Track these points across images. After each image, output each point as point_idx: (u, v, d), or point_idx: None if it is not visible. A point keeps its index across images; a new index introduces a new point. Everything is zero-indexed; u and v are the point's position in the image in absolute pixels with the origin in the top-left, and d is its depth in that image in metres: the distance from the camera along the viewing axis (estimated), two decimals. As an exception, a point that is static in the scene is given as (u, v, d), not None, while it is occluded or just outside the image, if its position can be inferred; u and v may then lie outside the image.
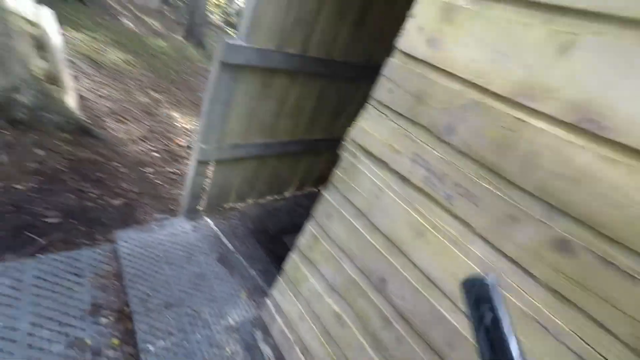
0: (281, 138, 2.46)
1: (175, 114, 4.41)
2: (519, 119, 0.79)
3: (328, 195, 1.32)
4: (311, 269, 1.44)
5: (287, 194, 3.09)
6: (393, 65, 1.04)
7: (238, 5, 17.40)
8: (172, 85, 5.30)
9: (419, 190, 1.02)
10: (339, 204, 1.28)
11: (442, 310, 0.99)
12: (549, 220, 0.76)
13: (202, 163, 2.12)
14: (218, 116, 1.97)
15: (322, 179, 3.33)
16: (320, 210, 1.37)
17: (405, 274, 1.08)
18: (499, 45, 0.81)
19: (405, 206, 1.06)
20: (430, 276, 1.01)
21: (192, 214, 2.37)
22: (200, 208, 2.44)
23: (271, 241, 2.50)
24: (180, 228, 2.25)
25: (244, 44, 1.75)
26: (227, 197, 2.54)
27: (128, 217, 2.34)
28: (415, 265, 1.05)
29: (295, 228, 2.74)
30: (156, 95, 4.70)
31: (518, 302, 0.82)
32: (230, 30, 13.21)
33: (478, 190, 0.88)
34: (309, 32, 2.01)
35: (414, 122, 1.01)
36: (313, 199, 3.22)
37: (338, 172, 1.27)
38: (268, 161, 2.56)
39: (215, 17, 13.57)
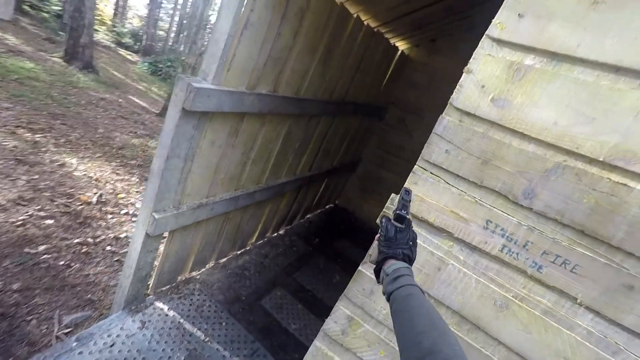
0: (248, 188, 2.12)
1: (69, 160, 3.41)
2: (620, 183, 0.76)
3: (367, 271, 1.11)
4: (349, 358, 1.18)
5: (249, 246, 2.68)
6: (448, 123, 0.93)
7: (131, 24, 15.61)
8: (56, 121, 4.15)
9: (495, 259, 0.91)
10: (384, 279, 1.08)
11: (542, 391, 0.88)
12: (665, 286, 0.73)
13: (155, 237, 1.61)
14: (176, 174, 1.54)
15: (284, 221, 3.04)
16: (356, 288, 1.14)
17: (486, 352, 0.95)
18: (585, 108, 0.77)
19: (477, 277, 0.94)
20: (522, 353, 0.90)
21: (136, 303, 1.78)
22: (148, 291, 1.86)
23: (248, 311, 2.07)
24: (120, 330, 1.63)
25: (213, 86, 1.42)
26: (183, 267, 2.02)
27: (9, 342, 1.54)
28: (499, 342, 0.93)
29: (270, 286, 2.37)
30: (32, 136, 3.55)
31: (641, 375, 0.77)
32: (123, 52, 11.64)
33: (575, 258, 0.82)
34: (281, 70, 1.79)
35: (480, 186, 0.91)
36: (277, 246, 2.89)
37: (370, 259, 1.07)
38: (233, 215, 2.16)
39: (102, 36, 11.77)
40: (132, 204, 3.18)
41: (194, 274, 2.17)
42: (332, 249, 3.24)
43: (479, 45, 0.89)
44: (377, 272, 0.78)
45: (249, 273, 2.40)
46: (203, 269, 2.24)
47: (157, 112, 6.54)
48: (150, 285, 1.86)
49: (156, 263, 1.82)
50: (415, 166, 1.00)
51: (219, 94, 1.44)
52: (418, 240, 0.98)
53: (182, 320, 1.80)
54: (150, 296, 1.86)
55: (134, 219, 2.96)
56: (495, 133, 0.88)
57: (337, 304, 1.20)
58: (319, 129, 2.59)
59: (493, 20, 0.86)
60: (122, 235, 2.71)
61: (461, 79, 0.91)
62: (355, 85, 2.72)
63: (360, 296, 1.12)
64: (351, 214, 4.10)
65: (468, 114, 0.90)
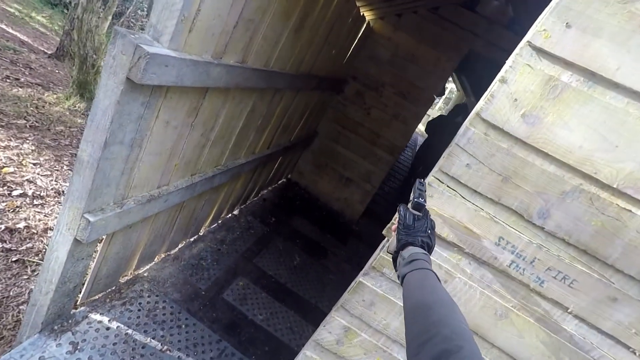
0: (205, 172, 1.83)
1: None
2: (625, 209, 0.80)
3: (368, 282, 1.05)
4: (341, 366, 1.15)
5: (202, 231, 2.41)
6: (473, 136, 0.86)
7: None
8: None
9: (502, 273, 0.93)
10: (385, 290, 1.04)
11: (525, 384, 0.98)
12: (643, 298, 0.84)
13: (89, 244, 1.28)
14: (119, 164, 1.21)
15: (239, 201, 2.80)
16: (355, 300, 1.08)
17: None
18: (610, 135, 0.77)
19: (482, 290, 0.96)
20: (513, 354, 0.98)
21: (61, 321, 1.45)
22: (78, 302, 1.53)
23: (210, 307, 1.90)
24: None
25: (172, 52, 1.08)
26: (127, 265, 1.71)
27: None
28: (493, 345, 0.99)
29: (231, 276, 2.18)
30: None
31: (610, 368, 0.90)
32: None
33: (574, 274, 0.87)
34: (252, 36, 1.48)
35: (497, 203, 0.89)
36: (233, 229, 2.66)
37: (384, 256, 1.01)
38: (188, 203, 1.87)
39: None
40: (30, 181, 2.47)
41: (140, 271, 1.86)
42: (289, 227, 3.15)
43: (516, 51, 0.81)
44: (395, 259, 0.76)
45: (205, 263, 2.18)
46: (151, 264, 1.94)
47: (50, 52, 5.04)
48: (82, 295, 1.53)
49: (92, 269, 1.48)
50: (431, 177, 0.92)
51: (180, 63, 1.11)
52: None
53: (130, 331, 1.55)
54: (82, 308, 1.52)
55: (36, 202, 2.33)
56: (519, 150, 0.84)
57: (331, 314, 1.13)
58: (282, 103, 2.34)
59: (535, 26, 0.78)
60: (20, 226, 2.12)
61: (492, 88, 0.83)
62: (322, 57, 2.48)
63: (360, 307, 1.07)
64: (304, 189, 4.02)
65: (495, 127, 0.84)
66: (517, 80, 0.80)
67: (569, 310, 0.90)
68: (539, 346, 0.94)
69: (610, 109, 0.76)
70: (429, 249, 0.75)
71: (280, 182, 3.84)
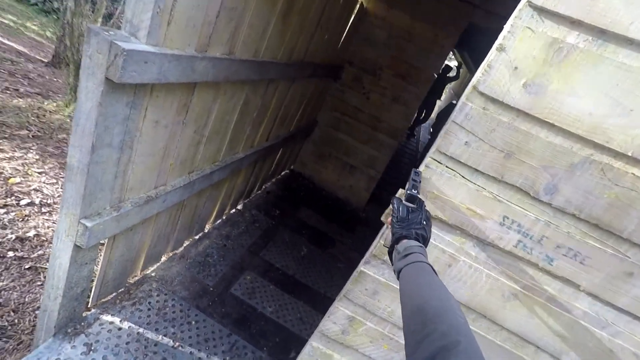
0: (203, 169, 1.80)
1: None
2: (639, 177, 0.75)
3: (370, 271, 1.02)
4: (350, 354, 1.14)
5: (207, 228, 2.41)
6: (471, 111, 0.81)
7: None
8: None
9: (509, 254, 0.89)
10: (388, 278, 1.01)
11: (538, 365, 0.95)
12: (661, 272, 0.79)
13: (90, 249, 1.28)
14: (110, 168, 1.19)
15: (242, 196, 2.79)
16: (358, 289, 1.05)
17: (489, 337, 0.98)
18: (624, 98, 0.71)
19: (488, 272, 0.92)
20: (523, 335, 0.95)
21: (73, 324, 1.47)
22: (89, 305, 1.55)
23: (219, 302, 1.91)
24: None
25: (151, 47, 1.04)
26: (133, 267, 1.72)
27: None
28: (502, 327, 0.96)
29: (238, 271, 2.19)
30: None
31: (629, 345, 0.86)
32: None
33: (586, 250, 0.83)
34: (237, 25, 1.43)
35: (499, 181, 0.84)
36: (238, 223, 2.66)
37: (383, 244, 0.98)
38: (189, 201, 1.86)
39: None
40: (37, 190, 2.50)
41: (147, 271, 1.87)
42: (295, 219, 3.14)
43: (514, 14, 0.74)
44: (390, 253, 0.76)
45: (212, 259, 2.18)
46: (158, 264, 1.95)
47: (47, 61, 5.04)
48: (92, 298, 1.54)
49: (98, 272, 1.49)
50: (428, 159, 0.88)
51: (161, 59, 1.07)
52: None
53: (141, 330, 1.57)
54: (93, 310, 1.54)
55: (44, 210, 2.36)
56: (522, 123, 0.79)
57: (335, 304, 1.11)
58: (277, 94, 2.28)
59: (534, -16, 0.71)
60: (30, 234, 2.15)
61: (490, 57, 0.77)
62: (315, 43, 2.40)
63: (363, 296, 1.05)
64: (308, 179, 3.99)
65: (494, 100, 0.79)
66: (517, 46, 0.74)
67: (581, 288, 0.86)
68: (550, 326, 0.91)
69: (624, 69, 0.70)
70: (425, 241, 0.74)
71: (283, 173, 3.81)
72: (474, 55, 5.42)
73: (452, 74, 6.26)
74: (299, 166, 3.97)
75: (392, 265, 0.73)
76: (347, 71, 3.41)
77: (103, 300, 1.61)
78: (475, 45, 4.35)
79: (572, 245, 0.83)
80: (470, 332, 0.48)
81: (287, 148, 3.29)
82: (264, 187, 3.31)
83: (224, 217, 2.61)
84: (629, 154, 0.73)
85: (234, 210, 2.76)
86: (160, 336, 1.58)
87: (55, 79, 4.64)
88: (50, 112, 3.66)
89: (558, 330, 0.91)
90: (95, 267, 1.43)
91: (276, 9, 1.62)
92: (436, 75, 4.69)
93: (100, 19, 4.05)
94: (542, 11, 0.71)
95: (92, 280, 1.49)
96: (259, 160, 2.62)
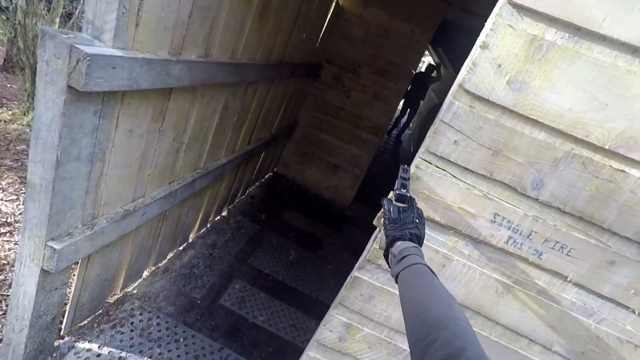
0: (185, 177, 1.73)
1: None
2: (618, 169, 0.77)
3: (365, 276, 1.00)
4: (346, 361, 1.12)
5: (191, 238, 2.32)
6: (458, 110, 0.80)
7: None
8: None
9: (500, 250, 0.90)
10: (383, 282, 1.00)
11: (532, 356, 0.97)
12: (642, 258, 0.82)
13: (60, 272, 1.19)
14: (80, 183, 1.11)
15: (225, 202, 2.72)
16: (354, 295, 1.03)
17: (484, 333, 0.99)
18: (600, 93, 0.73)
19: (481, 269, 0.92)
20: (516, 329, 0.96)
21: (44, 357, 1.36)
22: (62, 333, 1.44)
23: (208, 315, 1.84)
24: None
25: (119, 51, 0.97)
26: (112, 286, 1.63)
27: None
28: (497, 323, 0.97)
29: (226, 280, 2.12)
30: None
31: (613, 331, 0.89)
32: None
33: (571, 242, 0.85)
34: (212, 26, 1.37)
35: (489, 179, 0.84)
36: (223, 231, 2.58)
37: (377, 247, 0.96)
38: (170, 212, 1.78)
39: None
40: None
41: (129, 289, 1.77)
42: (281, 222, 3.09)
43: (495, 12, 0.74)
44: (386, 256, 0.74)
45: (198, 270, 2.10)
46: (140, 280, 1.86)
47: (-2, 63, 4.65)
48: (65, 324, 1.43)
49: (72, 296, 1.39)
50: (418, 159, 0.87)
51: (131, 63, 1.00)
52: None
53: (123, 354, 1.47)
54: (67, 338, 1.43)
55: (3, 230, 2.17)
56: (507, 120, 0.79)
57: (330, 312, 1.09)
58: (257, 96, 2.22)
59: (514, -18, 0.71)
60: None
61: (474, 55, 0.77)
62: (293, 42, 2.36)
63: (359, 302, 1.03)
64: (292, 180, 3.94)
65: (480, 98, 0.79)
66: (500, 44, 0.74)
67: (568, 279, 0.88)
68: (541, 317, 0.93)
69: (598, 65, 0.72)
70: (419, 240, 0.73)
71: (266, 176, 3.75)
72: (448, 52, 5.55)
73: (434, 73, 6.36)
74: (282, 168, 3.92)
75: (389, 268, 0.71)
76: (326, 70, 3.39)
77: (79, 324, 1.50)
78: (449, 41, 4.46)
79: (559, 238, 0.85)
80: (474, 336, 0.47)
81: (270, 150, 3.24)
82: (247, 191, 3.24)
83: (208, 225, 2.53)
84: (607, 147, 0.75)
85: (218, 217, 2.68)
86: (145, 358, 1.50)
87: (8, 85, 4.33)
88: (5, 121, 3.40)
89: (549, 321, 0.93)
90: (68, 288, 1.33)
91: (252, 8, 1.57)
92: (415, 73, 4.75)
93: (57, 19, 3.79)
94: (521, 8, 0.72)
95: (66, 304, 1.39)
96: (242, 165, 2.55)
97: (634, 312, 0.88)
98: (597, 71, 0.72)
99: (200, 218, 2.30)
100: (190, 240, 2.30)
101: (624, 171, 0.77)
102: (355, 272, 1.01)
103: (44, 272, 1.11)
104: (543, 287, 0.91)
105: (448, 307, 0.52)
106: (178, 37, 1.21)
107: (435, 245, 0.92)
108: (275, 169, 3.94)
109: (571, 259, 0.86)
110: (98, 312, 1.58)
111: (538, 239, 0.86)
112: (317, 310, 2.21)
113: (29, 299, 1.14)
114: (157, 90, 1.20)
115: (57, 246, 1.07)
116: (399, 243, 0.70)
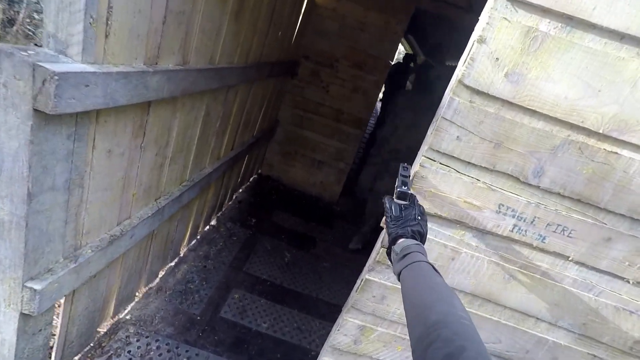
0: (171, 192, 1.65)
1: None
2: (612, 152, 0.80)
3: (375, 277, 1.00)
4: (362, 362, 1.12)
5: (182, 252, 2.24)
6: (459, 106, 0.80)
7: None
8: None
9: (506, 239, 0.92)
10: (394, 282, 1.00)
11: (539, 333, 1.02)
12: (636, 232, 0.87)
13: (43, 314, 1.09)
14: (58, 214, 1.02)
15: (214, 210, 2.63)
16: (366, 298, 1.03)
17: (495, 318, 1.02)
18: (593, 80, 0.75)
19: (489, 258, 0.95)
20: (523, 310, 1.00)
21: None
22: None
23: (210, 330, 1.79)
24: None
25: (90, 66, 0.89)
26: (103, 315, 1.54)
27: None
28: (505, 307, 1.00)
29: (224, 291, 2.05)
30: None
31: (610, 301, 0.95)
32: None
33: (571, 224, 0.88)
34: (187, 31, 1.29)
35: (492, 171, 0.86)
36: (215, 240, 2.50)
37: (382, 244, 0.96)
38: (159, 229, 1.69)
39: None
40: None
41: (121, 315, 1.68)
42: (272, 224, 3.04)
43: (490, 5, 0.74)
44: (389, 254, 0.74)
45: (194, 285, 2.03)
46: (132, 304, 1.76)
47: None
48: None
49: (59, 331, 1.29)
50: (422, 157, 0.87)
51: (106, 79, 0.92)
52: (429, 235, 0.89)
53: (126, 383, 1.40)
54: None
55: None
56: (507, 112, 0.80)
57: (343, 316, 1.08)
58: (238, 100, 2.15)
59: (506, -26, 0.71)
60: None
61: (471, 50, 0.76)
62: (270, 41, 2.29)
63: (371, 304, 1.03)
64: (277, 180, 3.88)
65: (479, 92, 0.79)
66: (496, 37, 0.74)
67: (569, 259, 0.92)
68: (546, 296, 0.96)
69: (590, 53, 0.73)
70: (421, 237, 0.73)
71: (251, 179, 3.67)
72: (419, 38, 5.62)
73: (412, 64, 6.34)
74: (267, 169, 3.85)
75: (392, 267, 0.70)
76: (303, 66, 3.34)
77: (69, 360, 1.41)
78: (421, 30, 4.51)
79: (560, 221, 0.88)
80: (475, 333, 0.46)
81: (253, 153, 3.16)
82: (234, 196, 3.15)
83: (198, 237, 2.44)
84: (600, 131, 0.78)
85: (208, 226, 2.59)
86: (150, 385, 1.43)
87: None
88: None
89: (553, 300, 0.97)
90: (53, 329, 1.23)
91: (227, 8, 1.50)
92: (392, 63, 4.76)
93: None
94: (515, 1, 0.72)
95: (52, 344, 1.29)
96: (227, 171, 2.47)
97: (628, 282, 0.94)
98: (590, 59, 0.74)
99: (189, 230, 2.21)
100: (181, 255, 2.21)
101: (616, 153, 0.80)
102: (365, 275, 1.00)
103: (25, 316, 1.00)
104: (547, 268, 0.94)
105: (449, 304, 0.51)
106: (153, 45, 1.13)
107: (444, 239, 0.93)
108: (259, 171, 3.87)
109: (572, 240, 0.89)
110: (89, 346, 1.48)
111: (541, 224, 0.88)
112: (319, 309, 2.21)
113: (8, 348, 1.03)
114: (135, 105, 1.12)
115: (37, 286, 0.97)
116: (401, 240, 0.70)
